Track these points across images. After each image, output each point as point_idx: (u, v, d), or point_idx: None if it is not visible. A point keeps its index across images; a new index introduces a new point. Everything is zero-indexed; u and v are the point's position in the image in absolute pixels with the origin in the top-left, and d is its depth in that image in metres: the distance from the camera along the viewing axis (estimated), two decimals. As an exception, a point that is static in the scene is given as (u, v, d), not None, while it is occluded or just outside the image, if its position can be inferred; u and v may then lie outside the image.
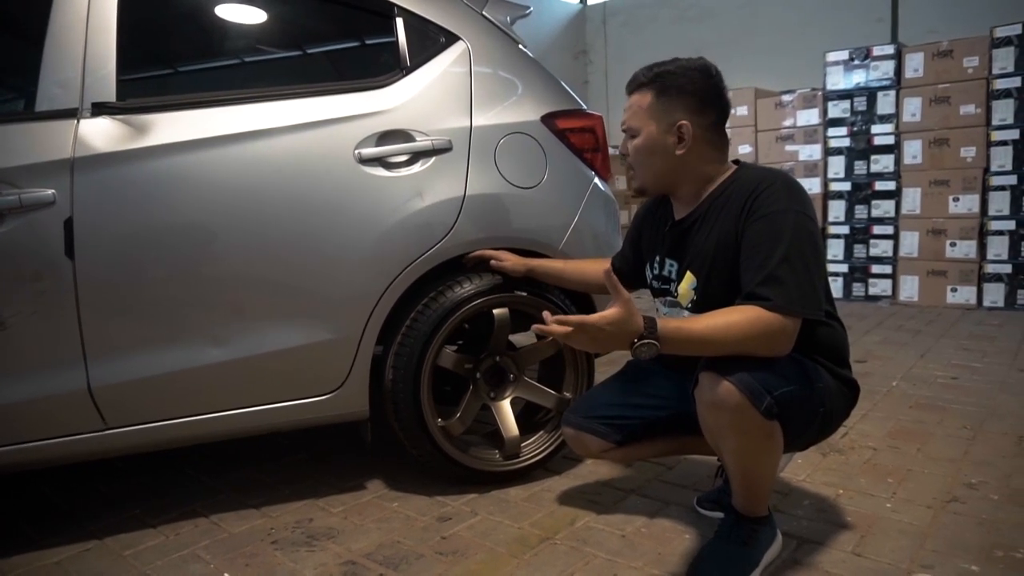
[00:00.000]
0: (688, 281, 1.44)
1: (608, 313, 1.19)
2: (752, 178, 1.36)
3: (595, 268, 1.79)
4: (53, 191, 1.45)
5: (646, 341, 1.18)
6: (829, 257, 4.88)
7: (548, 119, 1.92)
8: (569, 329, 1.18)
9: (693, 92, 1.39)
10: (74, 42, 1.51)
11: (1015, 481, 1.80)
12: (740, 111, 5.28)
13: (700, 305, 1.40)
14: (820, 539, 1.53)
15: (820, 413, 1.36)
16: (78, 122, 1.50)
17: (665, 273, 1.52)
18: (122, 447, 1.60)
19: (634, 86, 1.43)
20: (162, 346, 1.57)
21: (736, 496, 1.41)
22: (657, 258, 1.55)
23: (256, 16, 1.85)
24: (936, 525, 1.58)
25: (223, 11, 1.82)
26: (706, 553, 1.41)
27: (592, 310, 1.97)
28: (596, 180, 2.01)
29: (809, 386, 1.31)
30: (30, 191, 1.44)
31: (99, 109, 1.52)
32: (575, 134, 1.97)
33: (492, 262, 1.78)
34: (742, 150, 5.27)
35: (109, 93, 1.53)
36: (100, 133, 1.51)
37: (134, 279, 1.55)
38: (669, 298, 1.52)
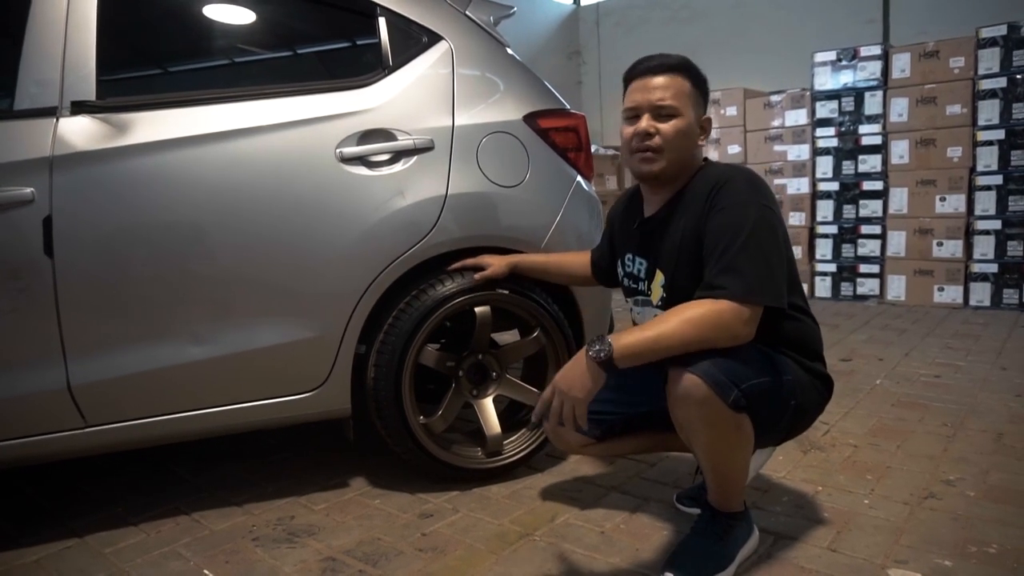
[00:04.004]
0: (659, 279, 1.45)
1: None
2: (714, 174, 1.38)
3: (575, 261, 1.82)
4: (32, 189, 1.45)
5: (597, 344, 1.23)
6: (817, 256, 4.91)
7: (530, 118, 1.92)
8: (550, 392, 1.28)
9: (706, 90, 1.46)
10: (53, 40, 1.52)
11: (992, 478, 1.82)
12: (729, 111, 5.30)
13: (669, 302, 1.41)
14: (797, 535, 1.55)
15: (791, 406, 1.37)
16: (57, 121, 1.50)
17: (634, 271, 1.53)
18: (103, 445, 1.60)
19: (666, 67, 1.39)
20: (143, 344, 1.58)
21: (711, 491, 1.42)
22: (628, 255, 1.56)
23: (238, 15, 1.86)
24: (912, 521, 1.60)
25: (205, 10, 1.82)
26: (682, 548, 1.42)
27: (574, 309, 1.98)
28: (579, 179, 2.02)
29: (777, 379, 1.32)
30: (8, 189, 1.44)
31: (78, 108, 1.52)
32: (558, 133, 1.97)
33: (476, 275, 1.78)
34: (731, 150, 5.28)
35: (89, 92, 1.53)
36: (79, 132, 1.51)
37: (114, 277, 1.55)
38: (640, 297, 1.53)
